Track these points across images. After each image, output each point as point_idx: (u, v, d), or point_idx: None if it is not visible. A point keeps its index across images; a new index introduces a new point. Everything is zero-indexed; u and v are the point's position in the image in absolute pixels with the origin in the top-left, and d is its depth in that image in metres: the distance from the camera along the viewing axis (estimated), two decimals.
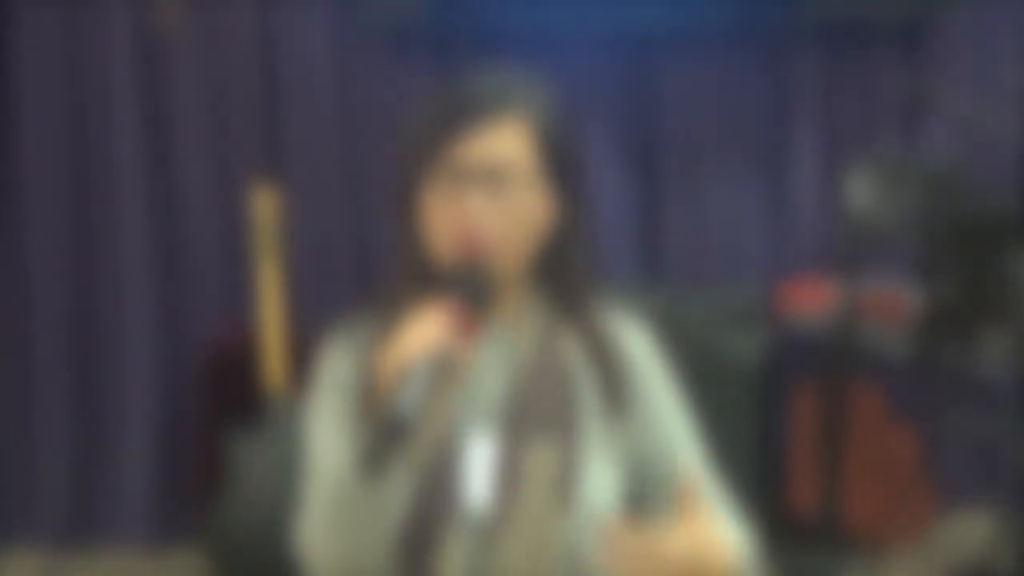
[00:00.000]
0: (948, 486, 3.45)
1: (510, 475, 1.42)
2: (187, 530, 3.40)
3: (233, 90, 3.38)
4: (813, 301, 3.12)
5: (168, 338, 3.47)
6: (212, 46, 3.39)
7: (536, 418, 1.44)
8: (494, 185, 1.42)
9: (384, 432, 1.29)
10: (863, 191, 2.78)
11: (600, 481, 1.44)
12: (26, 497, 3.50)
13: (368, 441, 1.31)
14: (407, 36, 3.35)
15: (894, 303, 2.95)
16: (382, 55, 3.39)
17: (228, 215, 3.36)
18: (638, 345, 1.54)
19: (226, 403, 3.18)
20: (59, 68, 3.38)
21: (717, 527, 1.38)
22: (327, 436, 1.44)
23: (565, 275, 1.51)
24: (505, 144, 1.44)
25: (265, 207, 3.08)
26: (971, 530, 3.33)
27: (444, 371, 1.33)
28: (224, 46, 3.38)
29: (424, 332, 1.34)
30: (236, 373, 3.18)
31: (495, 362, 1.49)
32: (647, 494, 1.48)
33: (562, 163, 1.49)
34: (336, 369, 1.50)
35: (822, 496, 2.91)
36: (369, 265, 3.41)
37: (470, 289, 1.39)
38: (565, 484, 1.41)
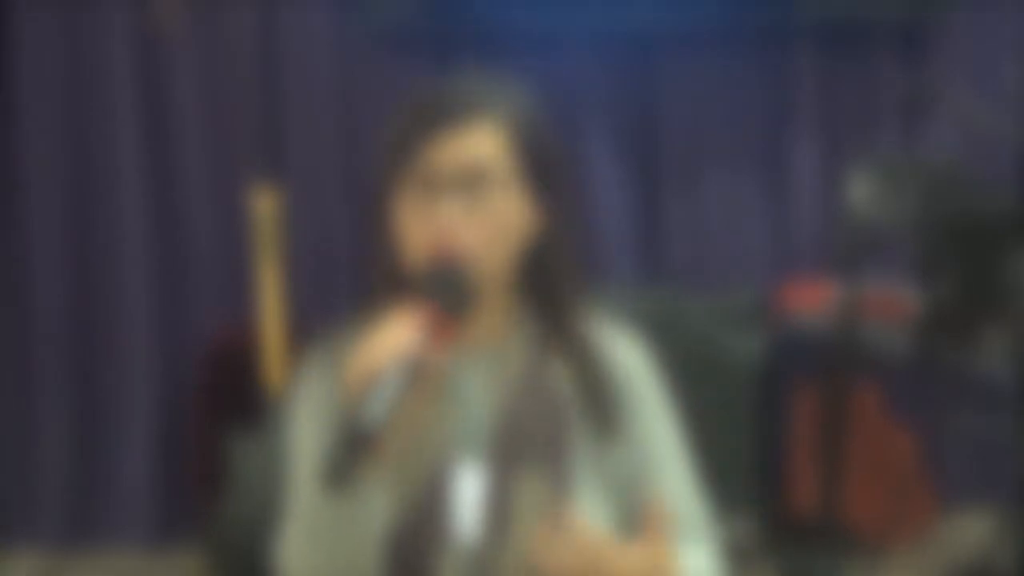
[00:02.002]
0: (948, 486, 3.45)
1: (500, 505, 1.37)
2: (187, 530, 3.40)
3: (233, 90, 3.39)
4: (813, 301, 3.12)
5: (168, 337, 3.47)
6: (212, 46, 3.39)
7: (525, 445, 1.39)
8: (468, 190, 1.36)
9: (347, 440, 1.22)
10: (863, 191, 2.77)
11: (591, 509, 1.39)
12: (26, 497, 3.50)
13: (331, 449, 1.24)
14: (407, 36, 3.35)
15: (894, 303, 2.95)
16: (382, 55, 3.39)
17: (228, 215, 3.36)
18: (631, 363, 1.47)
19: (225, 402, 3.18)
20: (59, 68, 3.38)
21: (679, 558, 1.34)
22: (304, 451, 1.41)
23: (551, 287, 1.43)
24: (478, 147, 1.37)
25: (265, 207, 3.08)
26: (971, 530, 3.33)
27: (417, 378, 1.26)
28: (224, 46, 3.38)
29: (394, 336, 1.27)
30: (236, 372, 3.18)
31: (481, 385, 1.42)
32: (629, 519, 1.41)
33: (540, 166, 1.41)
34: (314, 384, 1.45)
35: (822, 496, 2.91)
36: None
37: (445, 292, 1.32)
38: (555, 514, 1.34)
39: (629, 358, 1.47)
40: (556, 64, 3.35)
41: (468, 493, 1.38)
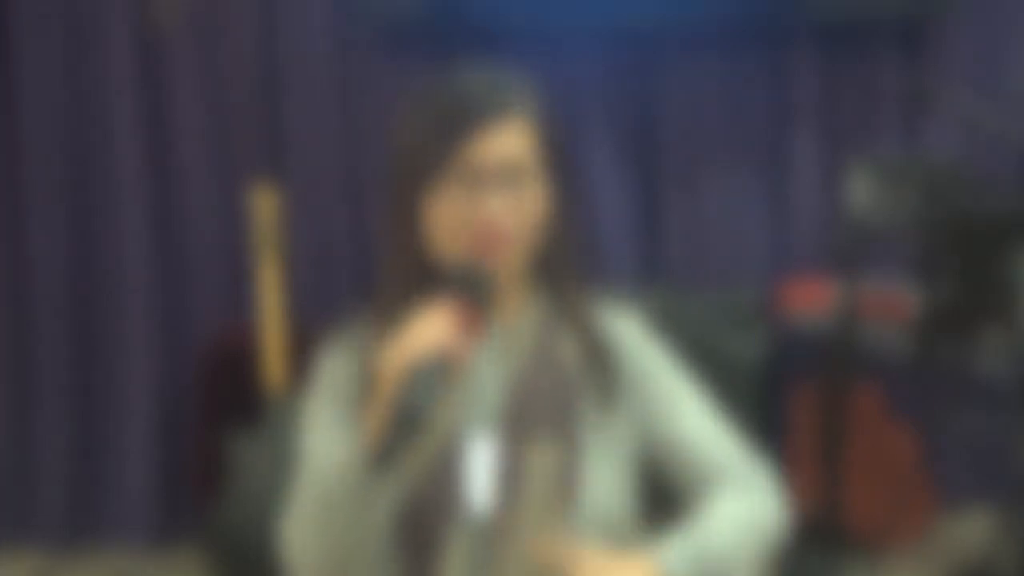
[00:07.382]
0: (948, 486, 3.45)
1: (511, 476, 1.41)
2: (187, 530, 3.40)
3: (233, 90, 3.39)
4: (813, 301, 3.12)
5: (168, 337, 3.47)
6: (212, 45, 3.39)
7: (536, 418, 1.44)
8: (510, 183, 1.42)
9: (397, 430, 1.28)
10: (863, 191, 2.77)
11: (603, 479, 1.43)
12: (26, 497, 3.50)
13: (383, 440, 1.29)
14: (406, 35, 3.35)
15: (894, 303, 2.95)
16: (382, 54, 3.39)
17: (228, 215, 3.36)
18: (630, 334, 1.53)
19: (226, 402, 3.18)
20: (59, 69, 3.38)
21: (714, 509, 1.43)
22: (320, 435, 1.44)
23: (560, 271, 1.51)
24: (515, 142, 1.44)
25: (265, 207, 3.08)
26: (971, 530, 3.33)
27: (449, 370, 1.32)
28: (224, 45, 3.38)
29: (428, 330, 1.32)
30: (236, 372, 3.18)
31: (494, 362, 1.48)
32: (669, 473, 1.48)
33: (557, 158, 1.49)
34: (333, 370, 1.50)
35: (822, 496, 2.91)
36: (369, 265, 3.41)
37: (474, 287, 1.38)
38: (567, 483, 1.41)
39: (627, 332, 1.54)
40: (556, 63, 3.35)
41: (480, 463, 1.43)
